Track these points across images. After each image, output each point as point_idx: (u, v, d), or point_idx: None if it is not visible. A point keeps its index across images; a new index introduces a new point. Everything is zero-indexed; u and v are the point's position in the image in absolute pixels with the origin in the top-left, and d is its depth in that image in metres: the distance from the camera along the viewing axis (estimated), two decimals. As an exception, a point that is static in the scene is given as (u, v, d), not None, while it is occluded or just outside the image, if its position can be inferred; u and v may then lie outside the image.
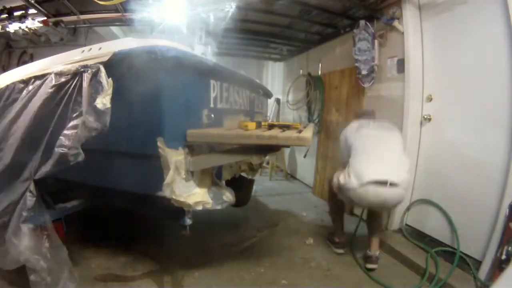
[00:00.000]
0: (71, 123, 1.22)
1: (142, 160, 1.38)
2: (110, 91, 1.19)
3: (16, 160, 1.38)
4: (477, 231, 1.86)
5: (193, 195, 1.36)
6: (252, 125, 1.47)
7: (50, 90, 1.33)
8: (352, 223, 2.46)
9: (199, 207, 1.36)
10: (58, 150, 1.20)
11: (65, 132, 1.21)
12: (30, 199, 1.27)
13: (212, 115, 1.47)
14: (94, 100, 1.18)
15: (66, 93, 1.29)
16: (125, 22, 2.98)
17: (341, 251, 2.15)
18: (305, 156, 3.83)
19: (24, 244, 1.24)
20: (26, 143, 1.36)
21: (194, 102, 1.42)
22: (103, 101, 1.17)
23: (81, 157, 1.19)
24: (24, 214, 1.26)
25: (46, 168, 1.25)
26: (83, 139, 1.19)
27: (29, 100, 1.43)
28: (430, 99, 2.29)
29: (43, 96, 1.35)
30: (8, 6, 3.37)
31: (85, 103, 1.20)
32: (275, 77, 5.42)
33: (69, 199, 1.74)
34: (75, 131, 1.19)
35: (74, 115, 1.23)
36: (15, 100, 1.56)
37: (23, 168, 1.33)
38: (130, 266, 1.83)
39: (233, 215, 2.72)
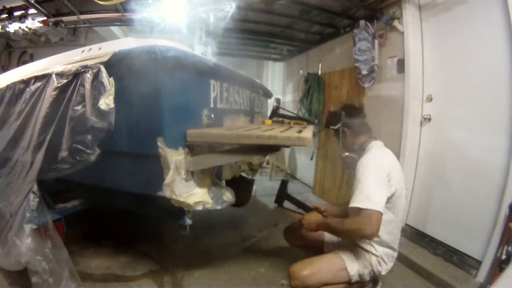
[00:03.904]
0: (81, 125, 1.22)
1: (142, 160, 1.38)
2: (112, 90, 1.19)
3: (21, 161, 1.38)
4: (477, 231, 1.86)
5: (193, 195, 1.36)
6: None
7: (54, 92, 1.33)
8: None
9: (199, 207, 1.36)
10: (75, 152, 1.21)
11: (79, 135, 1.22)
12: (33, 200, 1.27)
13: (212, 115, 1.47)
14: (98, 101, 1.18)
15: (68, 95, 1.28)
16: (125, 22, 2.98)
17: None
18: (312, 158, 3.83)
19: (27, 245, 1.24)
20: (32, 145, 1.36)
21: (194, 102, 1.42)
22: (106, 101, 1.17)
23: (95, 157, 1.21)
24: (27, 214, 1.26)
25: (62, 168, 1.25)
26: (96, 140, 1.20)
27: (34, 102, 1.43)
28: (430, 99, 2.29)
29: (48, 98, 1.35)
30: (8, 6, 3.37)
31: (88, 104, 1.20)
32: (275, 77, 5.42)
33: (69, 199, 1.75)
34: (88, 134, 1.19)
35: (78, 116, 1.23)
36: (17, 101, 1.56)
37: (28, 169, 1.34)
38: (130, 266, 1.83)
39: (233, 215, 2.72)
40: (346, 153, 1.59)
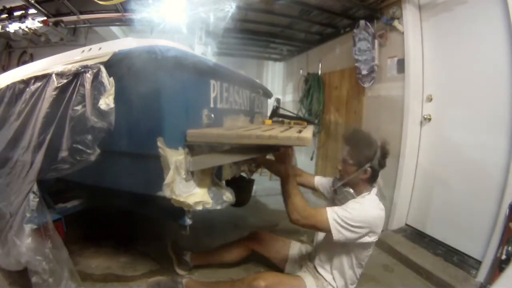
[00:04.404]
0: (82, 125, 1.22)
1: (142, 160, 1.38)
2: (112, 90, 1.18)
3: (21, 161, 1.38)
4: (477, 231, 1.86)
5: (193, 195, 1.35)
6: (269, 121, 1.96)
7: (54, 92, 1.33)
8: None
9: (199, 207, 1.36)
10: (75, 152, 1.21)
11: (79, 135, 1.21)
12: (33, 200, 1.27)
13: (212, 115, 1.47)
14: (98, 101, 1.17)
15: (68, 95, 1.28)
16: (125, 22, 2.98)
17: None
18: (312, 159, 3.83)
19: (27, 245, 1.24)
20: (32, 145, 1.36)
21: (194, 102, 1.42)
22: (106, 101, 1.16)
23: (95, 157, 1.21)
24: (27, 214, 1.26)
25: (62, 168, 1.25)
26: (96, 140, 1.20)
27: (34, 102, 1.43)
28: (430, 99, 2.29)
29: (48, 98, 1.35)
30: (8, 6, 3.37)
31: (88, 104, 1.20)
32: (275, 77, 5.42)
33: (69, 199, 1.75)
34: (88, 134, 1.19)
35: (78, 116, 1.23)
36: (17, 101, 1.56)
37: (28, 169, 1.34)
38: (130, 266, 1.83)
39: (233, 215, 2.72)
40: (346, 188, 1.42)
